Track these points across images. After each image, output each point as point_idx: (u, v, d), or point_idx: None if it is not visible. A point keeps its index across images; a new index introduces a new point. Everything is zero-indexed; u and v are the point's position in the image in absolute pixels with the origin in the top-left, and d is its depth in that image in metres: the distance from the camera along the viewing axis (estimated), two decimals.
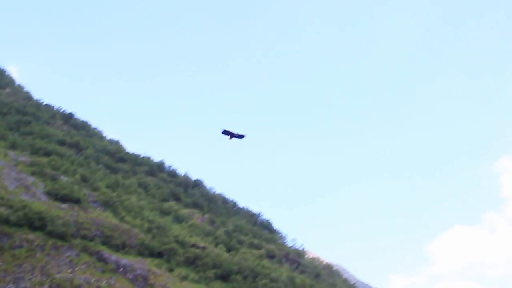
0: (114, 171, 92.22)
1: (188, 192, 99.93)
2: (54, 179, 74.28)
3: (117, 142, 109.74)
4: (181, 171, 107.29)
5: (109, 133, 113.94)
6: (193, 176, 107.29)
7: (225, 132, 39.45)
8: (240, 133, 39.99)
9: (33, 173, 74.20)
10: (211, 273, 70.09)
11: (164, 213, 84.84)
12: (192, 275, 68.83)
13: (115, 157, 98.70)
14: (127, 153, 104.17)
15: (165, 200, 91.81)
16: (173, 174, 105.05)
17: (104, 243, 65.70)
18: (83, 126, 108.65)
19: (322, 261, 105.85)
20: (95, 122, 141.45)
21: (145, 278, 63.45)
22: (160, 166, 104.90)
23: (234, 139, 41.34)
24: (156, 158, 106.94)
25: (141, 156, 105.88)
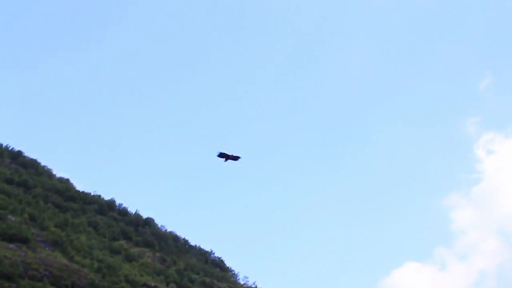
0: (63, 210, 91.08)
1: (138, 231, 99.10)
2: (1, 218, 73.10)
3: (67, 180, 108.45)
4: (131, 209, 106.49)
5: (59, 171, 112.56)
6: (144, 214, 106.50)
7: (221, 155, 38.77)
8: (235, 154, 39.57)
9: None
10: None
11: (114, 252, 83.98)
12: None
13: (64, 195, 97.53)
14: (77, 191, 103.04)
15: (115, 239, 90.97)
16: (123, 212, 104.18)
17: (53, 283, 64.68)
18: (31, 165, 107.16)
19: None
20: (44, 160, 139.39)
21: None
22: (110, 204, 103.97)
23: (229, 161, 40.86)
24: (106, 196, 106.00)
25: (91, 194, 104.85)
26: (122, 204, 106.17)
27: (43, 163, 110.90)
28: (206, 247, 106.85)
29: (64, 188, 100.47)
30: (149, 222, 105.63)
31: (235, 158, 39.15)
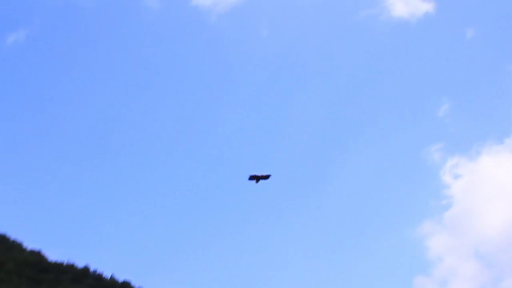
0: (37, 283, 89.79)
1: None
2: None
3: (38, 252, 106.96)
4: (107, 273, 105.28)
5: (29, 243, 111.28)
6: (120, 278, 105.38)
7: (252, 178, 37.51)
8: (265, 173, 38.40)
9: None
10: None
11: None
12: None
13: (37, 268, 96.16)
14: (50, 262, 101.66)
15: None
16: (99, 278, 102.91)
17: None
18: (1, 240, 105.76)
19: None
20: (13, 233, 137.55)
21: None
22: (85, 271, 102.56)
23: (261, 181, 39.67)
24: (80, 264, 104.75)
25: (65, 263, 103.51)
26: (97, 270, 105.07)
27: (12, 237, 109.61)
28: None
29: (36, 261, 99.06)
30: (126, 285, 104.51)
31: (266, 177, 37.97)
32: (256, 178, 36.89)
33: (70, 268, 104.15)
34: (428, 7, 46.02)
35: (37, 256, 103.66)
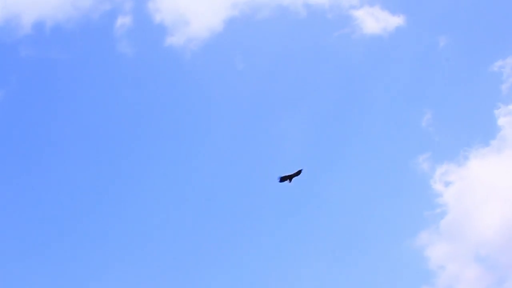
0: None
1: None
2: None
3: None
4: None
5: None
6: None
7: (283, 179, 35.48)
8: (295, 171, 36.76)
9: None
10: None
11: None
12: None
13: None
14: None
15: None
16: None
17: None
18: None
19: None
20: None
21: None
22: None
23: (293, 179, 38.01)
24: None
25: None
26: None
27: None
28: None
29: None
30: None
31: (298, 173, 35.64)
32: (288, 178, 34.88)
33: None
34: (398, 21, 47.30)
35: None
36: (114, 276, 40.18)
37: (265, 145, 46.10)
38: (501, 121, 45.40)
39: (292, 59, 48.61)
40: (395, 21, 48.87)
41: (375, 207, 46.45)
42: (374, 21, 48.95)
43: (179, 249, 42.78)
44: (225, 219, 43.50)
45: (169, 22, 48.44)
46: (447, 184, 46.40)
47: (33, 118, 46.40)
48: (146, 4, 49.28)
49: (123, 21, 48.57)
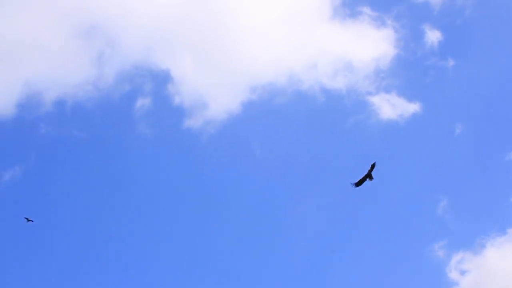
0: None
1: None
2: None
3: None
4: None
5: None
6: None
7: (359, 183, 33.48)
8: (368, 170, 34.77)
9: None
10: None
11: None
12: None
13: None
14: None
15: None
16: None
17: None
18: None
19: None
20: None
21: None
22: None
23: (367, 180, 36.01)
24: None
25: None
26: None
27: None
28: None
29: None
30: None
31: (372, 168, 33.70)
32: (363, 179, 33.24)
33: None
34: (415, 107, 47.99)
35: None
36: None
37: (280, 231, 45.83)
38: None
39: (310, 144, 48.84)
40: (411, 107, 49.23)
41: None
42: (391, 107, 49.35)
43: None
44: None
45: (187, 104, 49.09)
46: (463, 272, 45.69)
47: (50, 195, 46.56)
48: (166, 86, 50.08)
49: (143, 102, 49.30)
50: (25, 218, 40.05)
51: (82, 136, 48.21)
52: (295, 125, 49.66)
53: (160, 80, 50.37)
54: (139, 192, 46.23)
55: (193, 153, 48.34)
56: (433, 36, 51.16)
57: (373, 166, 32.46)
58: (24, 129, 48.29)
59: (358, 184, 32.53)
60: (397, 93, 49.89)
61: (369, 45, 52.05)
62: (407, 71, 51.77)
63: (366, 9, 52.83)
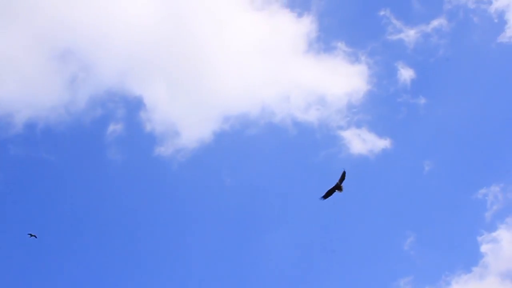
0: None
1: None
2: None
3: None
4: None
5: None
6: None
7: (327, 195, 32.29)
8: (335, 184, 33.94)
9: None
10: None
11: None
12: None
13: None
14: None
15: None
16: None
17: None
18: None
19: None
20: None
21: None
22: None
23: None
24: None
25: None
26: None
27: None
28: None
29: None
30: None
31: (343, 178, 32.58)
32: (332, 191, 32.29)
33: None
34: (385, 143, 48.16)
35: None
36: None
37: (249, 261, 45.72)
38: (483, 248, 45.43)
39: (280, 176, 48.98)
40: (382, 143, 49.57)
41: None
42: (361, 142, 49.68)
43: None
44: None
45: (159, 131, 49.03)
46: None
47: (16, 216, 46.12)
48: (138, 113, 50.04)
49: (114, 128, 49.15)
50: (29, 234, 39.82)
51: (51, 159, 47.92)
52: (266, 156, 49.83)
53: (133, 107, 50.32)
54: (107, 217, 45.97)
55: (163, 181, 48.22)
56: (406, 73, 51.73)
57: (343, 175, 32.06)
58: None
59: (326, 196, 31.97)
60: (368, 128, 50.28)
61: (342, 80, 52.50)
62: (379, 107, 52.23)
63: (341, 45, 53.39)
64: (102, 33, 52.42)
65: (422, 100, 51.29)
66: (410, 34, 52.99)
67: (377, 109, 52.03)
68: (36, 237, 40.21)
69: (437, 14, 53.67)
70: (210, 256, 45.42)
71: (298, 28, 53.99)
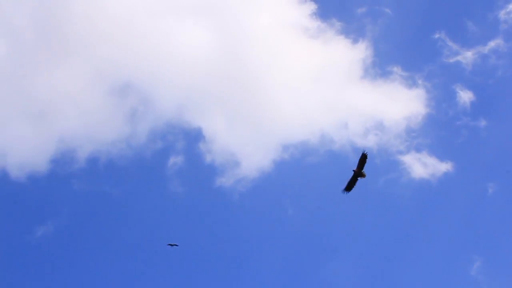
0: None
1: None
2: None
3: None
4: None
5: None
6: None
7: (349, 187, 31.63)
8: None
9: None
10: None
11: None
12: None
13: None
14: None
15: None
16: None
17: None
18: None
19: None
20: None
21: None
22: None
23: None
24: None
25: None
26: None
27: None
28: None
29: None
30: None
31: (363, 161, 31.90)
32: (355, 178, 31.49)
33: None
34: (447, 166, 47.53)
35: None
36: None
37: None
38: None
39: (342, 203, 48.67)
40: (443, 167, 48.99)
41: None
42: (422, 167, 49.16)
43: None
44: None
45: (219, 162, 49.26)
46: None
47: (82, 251, 46.70)
48: (198, 144, 50.40)
49: (175, 160, 49.59)
50: (169, 244, 40.21)
51: (114, 192, 48.53)
52: (327, 184, 49.57)
53: (192, 138, 50.74)
54: (170, 250, 46.23)
55: (225, 212, 48.31)
56: (465, 96, 51.19)
57: (361, 160, 30.85)
58: (57, 185, 48.75)
59: (349, 187, 31.17)
60: (429, 152, 49.75)
61: (400, 104, 52.16)
62: (439, 131, 51.70)
63: (397, 69, 53.15)
64: (159, 66, 53.23)
65: (483, 122, 50.62)
66: (467, 56, 52.53)
67: (436, 133, 51.52)
68: (177, 245, 40.47)
69: (493, 35, 53.13)
70: (273, 286, 45.26)
71: (353, 54, 54.04)
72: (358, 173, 31.84)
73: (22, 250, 45.63)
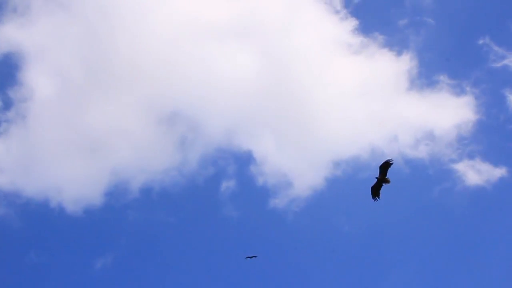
0: None
1: None
2: None
3: None
4: None
5: None
6: None
7: (376, 193, 31.60)
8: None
9: None
10: None
11: None
12: None
13: None
14: None
15: None
16: None
17: None
18: None
19: None
20: None
21: None
22: None
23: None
24: None
25: None
26: None
27: None
28: None
29: None
30: None
31: (387, 167, 31.75)
32: (380, 184, 31.30)
33: None
34: (501, 172, 46.82)
35: None
36: None
37: None
38: None
39: (397, 217, 48.21)
40: (498, 172, 48.38)
41: None
42: (476, 174, 48.60)
43: None
44: None
45: (271, 184, 49.32)
46: None
47: (142, 280, 47.08)
48: (249, 167, 50.57)
49: (228, 184, 49.83)
50: (247, 257, 40.34)
51: (169, 220, 48.90)
52: (381, 198, 49.24)
53: (243, 162, 50.94)
54: (231, 274, 46.34)
55: (280, 232, 48.28)
56: None
57: (383, 167, 30.62)
58: (113, 217, 49.36)
59: (375, 194, 30.94)
60: (482, 158, 49.14)
61: (449, 112, 51.73)
62: (490, 136, 51.09)
63: (443, 77, 52.76)
64: (205, 92, 53.68)
65: None
66: None
67: (488, 138, 50.93)
68: (256, 256, 40.55)
69: None
70: None
71: (398, 66, 53.82)
72: (382, 179, 31.79)
73: (83, 284, 46.25)
